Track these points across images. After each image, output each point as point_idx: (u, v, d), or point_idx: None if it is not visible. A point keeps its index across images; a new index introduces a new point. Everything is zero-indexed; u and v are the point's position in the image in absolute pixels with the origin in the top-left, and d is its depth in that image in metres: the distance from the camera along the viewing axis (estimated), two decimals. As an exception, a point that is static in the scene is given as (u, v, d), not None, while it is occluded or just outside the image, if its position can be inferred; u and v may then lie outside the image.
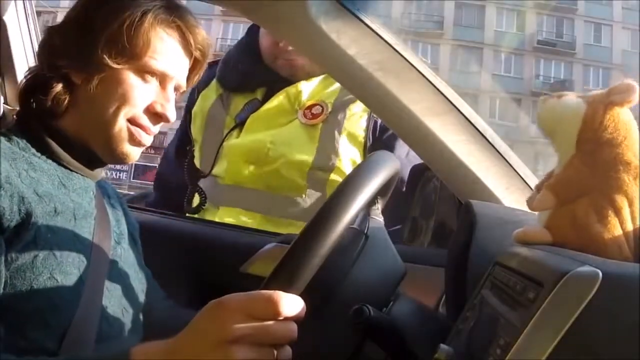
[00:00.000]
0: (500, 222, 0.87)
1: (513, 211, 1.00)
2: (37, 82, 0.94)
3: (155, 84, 0.95)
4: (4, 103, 1.67)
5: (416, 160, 1.52)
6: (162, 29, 0.94)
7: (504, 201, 1.16)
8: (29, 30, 1.75)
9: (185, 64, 0.99)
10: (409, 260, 0.99)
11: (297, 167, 1.53)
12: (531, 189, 1.13)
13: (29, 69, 0.99)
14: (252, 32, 1.72)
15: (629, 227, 0.63)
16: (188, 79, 1.02)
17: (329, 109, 1.56)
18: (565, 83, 26.32)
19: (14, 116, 0.97)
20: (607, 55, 27.34)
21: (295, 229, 1.49)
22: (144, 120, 0.94)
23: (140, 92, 0.93)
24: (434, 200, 1.39)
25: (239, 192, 1.56)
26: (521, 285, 0.56)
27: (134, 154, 0.96)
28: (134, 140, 0.94)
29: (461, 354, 0.63)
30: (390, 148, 1.54)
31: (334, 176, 1.53)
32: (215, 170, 1.62)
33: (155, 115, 0.95)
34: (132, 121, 0.94)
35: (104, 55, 0.90)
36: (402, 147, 1.56)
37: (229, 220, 1.55)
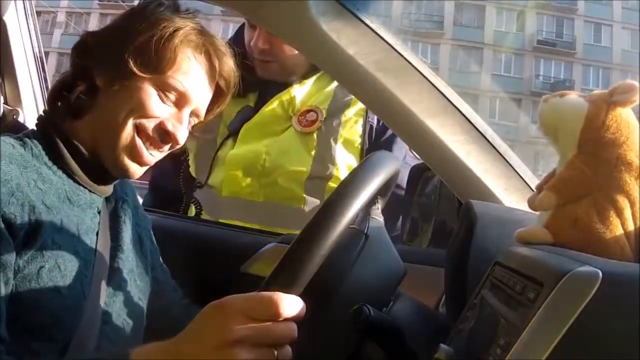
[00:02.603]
0: (500, 222, 0.87)
1: (513, 211, 1.00)
2: (66, 80, 0.96)
3: (172, 103, 0.95)
4: (4, 103, 1.67)
5: (414, 163, 1.51)
6: (191, 50, 0.95)
7: (503, 201, 1.16)
8: (29, 30, 1.75)
9: (207, 91, 0.99)
10: (409, 260, 0.99)
11: (294, 178, 1.51)
12: (531, 189, 1.13)
13: (63, 72, 0.99)
14: (239, 31, 1.66)
15: (631, 227, 0.63)
16: (209, 110, 1.02)
17: (324, 115, 1.54)
18: (566, 83, 26.31)
19: (13, 116, 0.97)
20: (607, 55, 27.33)
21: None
22: (151, 131, 0.93)
23: (155, 105, 0.93)
24: (433, 200, 1.39)
25: (237, 204, 1.53)
26: (521, 285, 0.56)
27: (133, 168, 0.95)
28: (133, 155, 0.93)
29: (461, 354, 0.63)
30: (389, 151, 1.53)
31: (331, 184, 1.50)
32: (211, 181, 1.58)
33: (165, 134, 0.94)
34: (139, 130, 0.93)
35: (130, 62, 0.91)
36: (399, 151, 1.54)
37: None
